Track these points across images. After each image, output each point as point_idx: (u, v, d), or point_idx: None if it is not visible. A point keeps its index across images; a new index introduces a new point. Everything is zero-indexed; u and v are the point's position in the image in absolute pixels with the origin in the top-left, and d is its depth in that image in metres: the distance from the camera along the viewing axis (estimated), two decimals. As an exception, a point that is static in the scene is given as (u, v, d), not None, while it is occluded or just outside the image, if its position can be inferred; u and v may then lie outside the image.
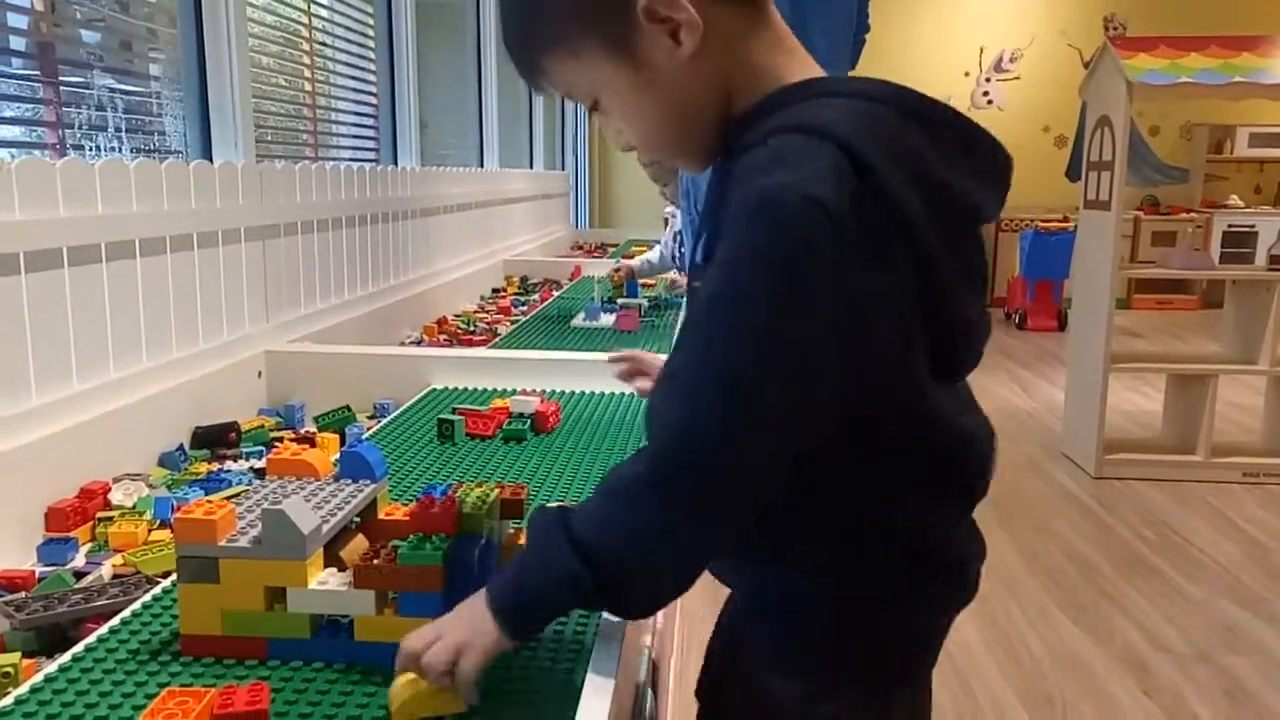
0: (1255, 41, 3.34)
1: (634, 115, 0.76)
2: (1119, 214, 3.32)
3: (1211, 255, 3.50)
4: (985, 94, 7.83)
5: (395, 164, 2.92)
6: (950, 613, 0.83)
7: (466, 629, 0.65)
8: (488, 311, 2.70)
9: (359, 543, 0.78)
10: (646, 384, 1.01)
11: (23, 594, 0.87)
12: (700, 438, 0.63)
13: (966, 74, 7.82)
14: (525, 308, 2.74)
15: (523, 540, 0.81)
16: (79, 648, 0.73)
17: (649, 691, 0.91)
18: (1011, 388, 4.87)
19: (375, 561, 0.70)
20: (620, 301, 2.38)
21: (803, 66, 0.76)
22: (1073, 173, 3.96)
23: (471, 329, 2.35)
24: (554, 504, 0.71)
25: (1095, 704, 2.04)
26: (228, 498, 1.12)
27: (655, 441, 0.66)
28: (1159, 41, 3.38)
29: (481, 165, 3.84)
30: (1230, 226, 3.56)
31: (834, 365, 0.64)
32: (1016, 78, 7.80)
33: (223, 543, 0.70)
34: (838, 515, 0.74)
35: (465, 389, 1.61)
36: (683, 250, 3.06)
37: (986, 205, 0.73)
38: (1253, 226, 3.53)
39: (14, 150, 1.50)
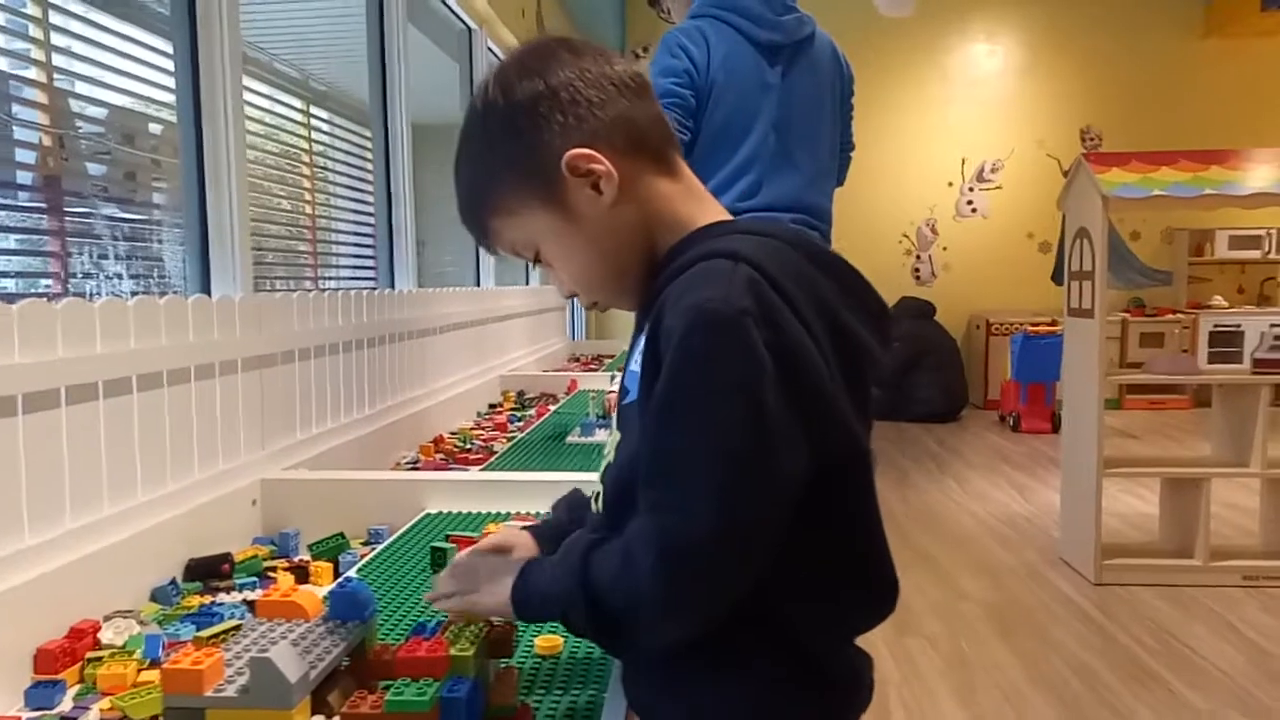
0: (1224, 155, 3.46)
1: (569, 261, 0.86)
2: (1102, 322, 3.38)
3: (1199, 355, 3.55)
4: (969, 203, 8.03)
5: (392, 285, 2.99)
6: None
7: (485, 589, 0.82)
8: (484, 428, 2.72)
9: (348, 686, 0.79)
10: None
11: (9, 742, 0.86)
12: (705, 531, 0.70)
13: (950, 184, 8.04)
14: (521, 423, 2.76)
15: (511, 681, 0.82)
16: (64, 802, 0.72)
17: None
18: (1009, 492, 4.86)
19: (363, 708, 0.71)
20: (614, 417, 2.41)
21: (714, 211, 0.87)
22: (1058, 277, 4.07)
23: (468, 447, 2.37)
24: (591, 533, 0.81)
25: (1105, 825, 1.99)
26: (219, 633, 1.13)
27: (661, 532, 0.71)
28: (1131, 157, 3.50)
29: (478, 284, 3.91)
30: (1216, 326, 3.60)
31: (797, 436, 0.72)
32: (999, 187, 8.01)
33: (210, 692, 0.70)
34: (775, 621, 0.78)
35: (459, 513, 1.62)
36: None
37: (873, 347, 0.81)
38: (1238, 326, 3.58)
39: (18, 280, 1.55)
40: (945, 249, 8.03)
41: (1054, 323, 6.53)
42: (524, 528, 0.99)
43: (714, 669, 0.78)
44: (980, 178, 8.02)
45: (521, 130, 0.83)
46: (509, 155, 0.84)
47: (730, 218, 0.87)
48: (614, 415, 0.90)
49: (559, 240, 0.85)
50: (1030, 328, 6.63)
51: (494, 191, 0.86)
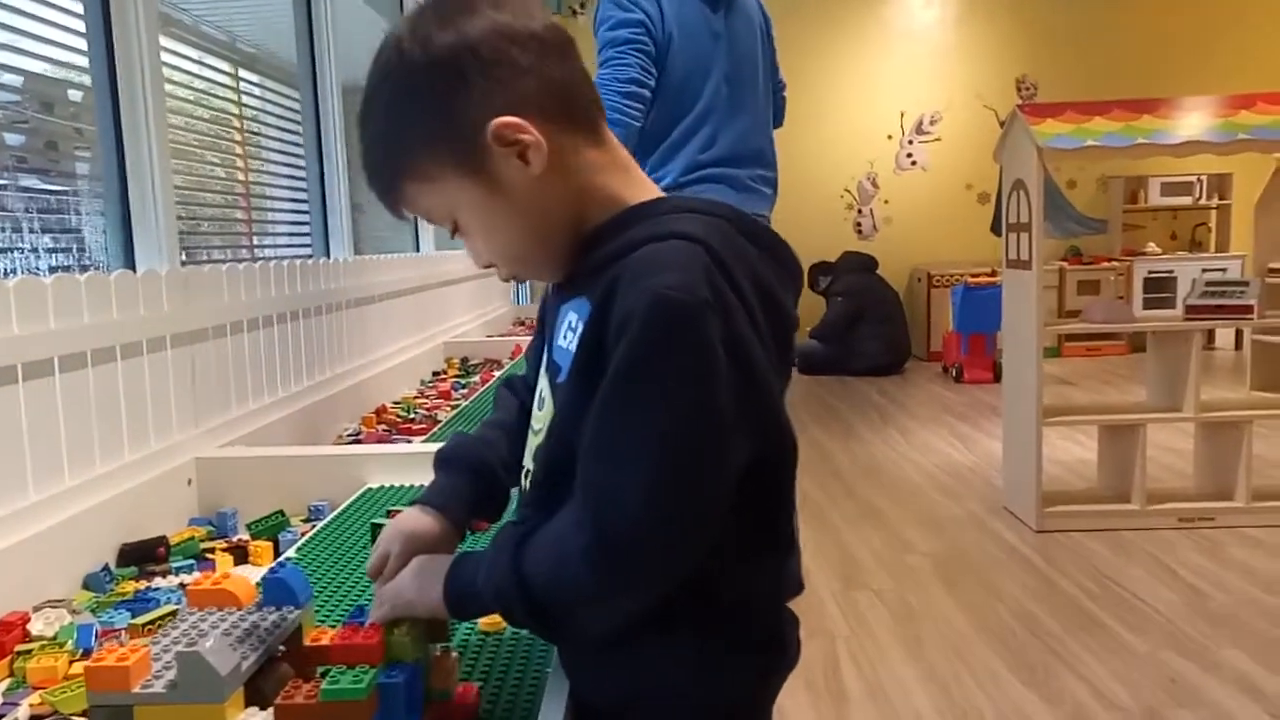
0: (1155, 104, 3.51)
1: (492, 233, 0.82)
2: (1039, 272, 3.42)
3: (1135, 302, 3.62)
4: (909, 155, 8.08)
5: (328, 253, 2.92)
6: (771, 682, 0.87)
7: (417, 593, 0.79)
8: (428, 397, 2.69)
9: (284, 674, 0.77)
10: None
11: (-68, 745, 0.83)
12: (644, 521, 0.69)
13: (890, 137, 8.08)
14: (466, 390, 2.73)
15: (450, 663, 0.81)
16: (-11, 807, 0.70)
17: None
18: (951, 442, 4.95)
19: (297, 699, 0.69)
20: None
21: (644, 187, 0.84)
22: (996, 228, 4.10)
23: (411, 416, 2.34)
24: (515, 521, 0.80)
25: (1048, 765, 2.04)
26: (156, 619, 1.10)
27: (597, 517, 0.70)
28: (1065, 107, 3.53)
29: (418, 250, 3.84)
30: (1150, 273, 3.67)
31: (742, 430, 0.72)
32: (938, 139, 8.07)
33: (137, 689, 0.68)
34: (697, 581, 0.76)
35: (401, 486, 1.59)
36: None
37: (794, 316, 0.82)
38: (1171, 272, 3.65)
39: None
40: (886, 202, 8.09)
41: (994, 273, 6.62)
42: (417, 504, 0.92)
43: (645, 644, 0.78)
44: (919, 130, 8.07)
45: (441, 91, 0.77)
46: (427, 118, 0.78)
47: (661, 193, 0.84)
48: (540, 392, 0.87)
49: (480, 212, 0.80)
50: (970, 279, 6.72)
51: (408, 155, 0.80)
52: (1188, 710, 2.23)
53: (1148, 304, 3.59)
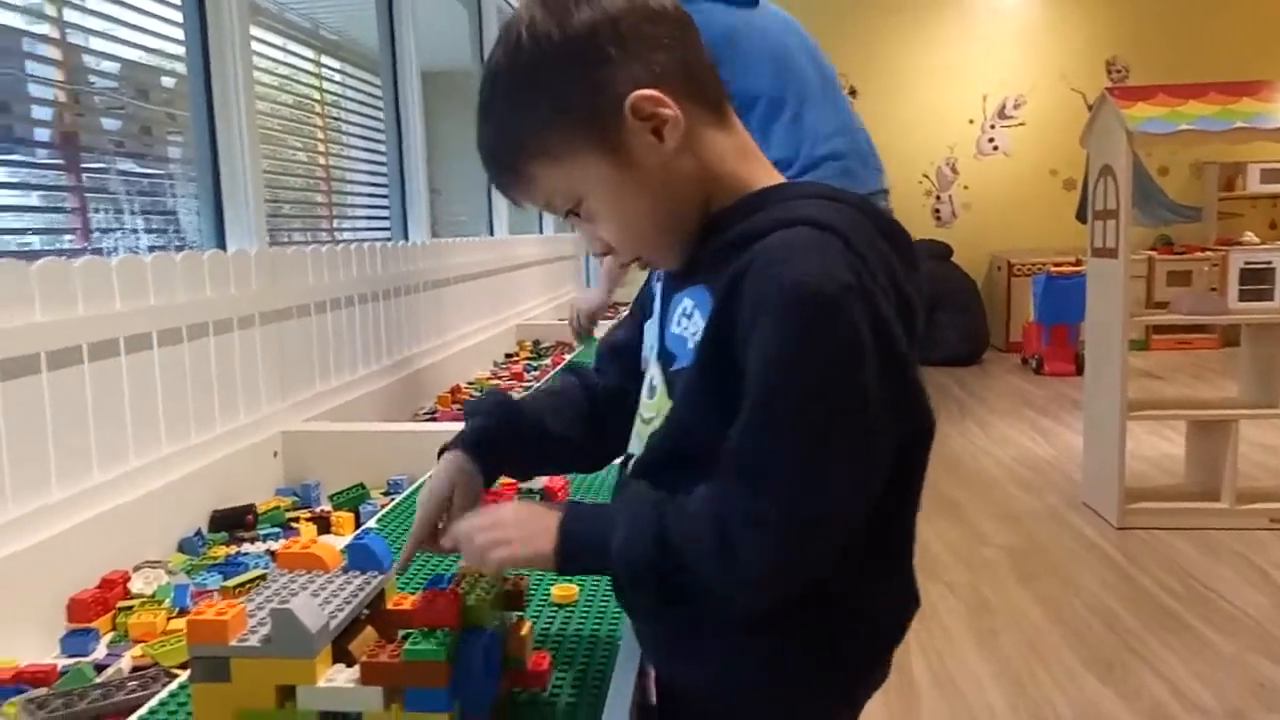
0: (1255, 86, 3.37)
1: (617, 214, 0.79)
2: (1126, 261, 3.33)
3: (1229, 294, 3.50)
4: (991, 140, 7.90)
5: (406, 236, 2.98)
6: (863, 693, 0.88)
7: (524, 541, 0.78)
8: (500, 378, 2.74)
9: (368, 635, 0.80)
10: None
11: (45, 690, 0.89)
12: (811, 513, 0.70)
13: (971, 122, 7.90)
14: (538, 372, 2.77)
15: (525, 631, 0.83)
16: (96, 749, 0.75)
17: None
18: (1031, 435, 4.85)
19: (382, 658, 0.72)
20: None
21: (767, 171, 0.83)
22: (1082, 215, 3.98)
23: (485, 398, 2.38)
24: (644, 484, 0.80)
25: (1124, 762, 2.01)
26: (245, 582, 1.15)
27: (758, 497, 0.70)
28: (1158, 90, 3.42)
29: (491, 233, 3.90)
30: (1247, 264, 3.54)
31: (891, 413, 0.71)
32: (1021, 124, 7.87)
33: (233, 642, 0.72)
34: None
35: (477, 464, 1.63)
36: None
37: (920, 311, 0.79)
38: (1269, 263, 3.52)
39: (41, 237, 1.56)
40: (966, 188, 7.92)
41: (1078, 262, 6.45)
42: (445, 450, 0.92)
43: (753, 641, 0.78)
44: (1002, 114, 7.88)
45: (578, 66, 0.75)
46: (561, 94, 0.76)
47: (783, 179, 0.82)
48: (651, 379, 0.85)
49: (608, 190, 0.78)
50: (1053, 268, 6.55)
51: (537, 135, 0.77)
52: (1277, 715, 2.17)
53: (1243, 296, 3.45)
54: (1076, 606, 2.77)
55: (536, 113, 0.77)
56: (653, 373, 0.85)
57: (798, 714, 0.84)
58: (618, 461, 0.93)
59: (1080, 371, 5.49)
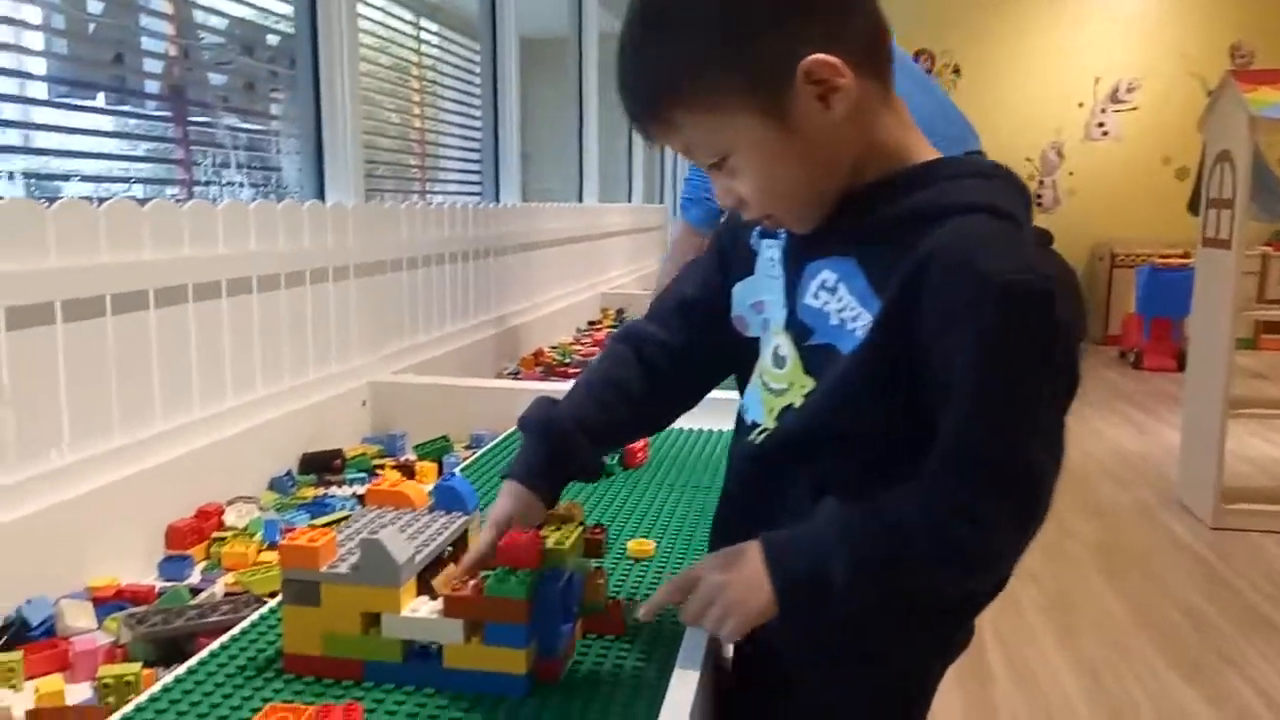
0: (1389, 73, 3.19)
1: (765, 174, 0.75)
2: (1240, 253, 3.19)
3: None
4: (1100, 125, 7.62)
5: (497, 199, 3.02)
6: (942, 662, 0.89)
7: (745, 593, 0.74)
8: (583, 344, 2.76)
9: (450, 573, 0.82)
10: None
11: (144, 608, 0.93)
12: (1044, 482, 0.72)
13: (1081, 105, 7.62)
14: (622, 341, 2.77)
15: (602, 579, 0.84)
16: (192, 661, 0.78)
17: None
18: (1125, 429, 4.70)
19: (464, 592, 0.74)
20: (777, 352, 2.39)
21: (922, 143, 0.79)
22: (1194, 206, 3.81)
23: (567, 361, 2.40)
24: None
25: (1206, 766, 1.95)
26: (330, 523, 1.18)
27: (1017, 480, 0.71)
28: (1283, 73, 3.25)
29: (580, 200, 3.92)
30: (1367, 265, 3.37)
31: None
32: (1134, 108, 7.56)
33: (324, 569, 0.74)
34: None
35: (560, 422, 1.64)
36: None
37: None
38: (1391, 266, 3.34)
39: (145, 187, 1.62)
40: (1071, 174, 7.65)
41: (1186, 255, 6.19)
42: (507, 475, 0.89)
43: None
44: (1114, 98, 7.57)
45: (754, 21, 0.71)
46: (730, 47, 0.71)
47: (938, 154, 0.79)
48: (778, 349, 0.83)
49: (761, 150, 0.74)
50: (1159, 260, 6.31)
51: (694, 83, 0.73)
52: (1370, 727, 2.08)
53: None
54: (1164, 605, 2.69)
55: (698, 61, 0.72)
56: (779, 342, 0.82)
57: (882, 673, 0.84)
58: (723, 427, 0.94)
59: (1182, 368, 5.29)
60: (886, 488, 0.73)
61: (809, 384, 0.79)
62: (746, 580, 0.73)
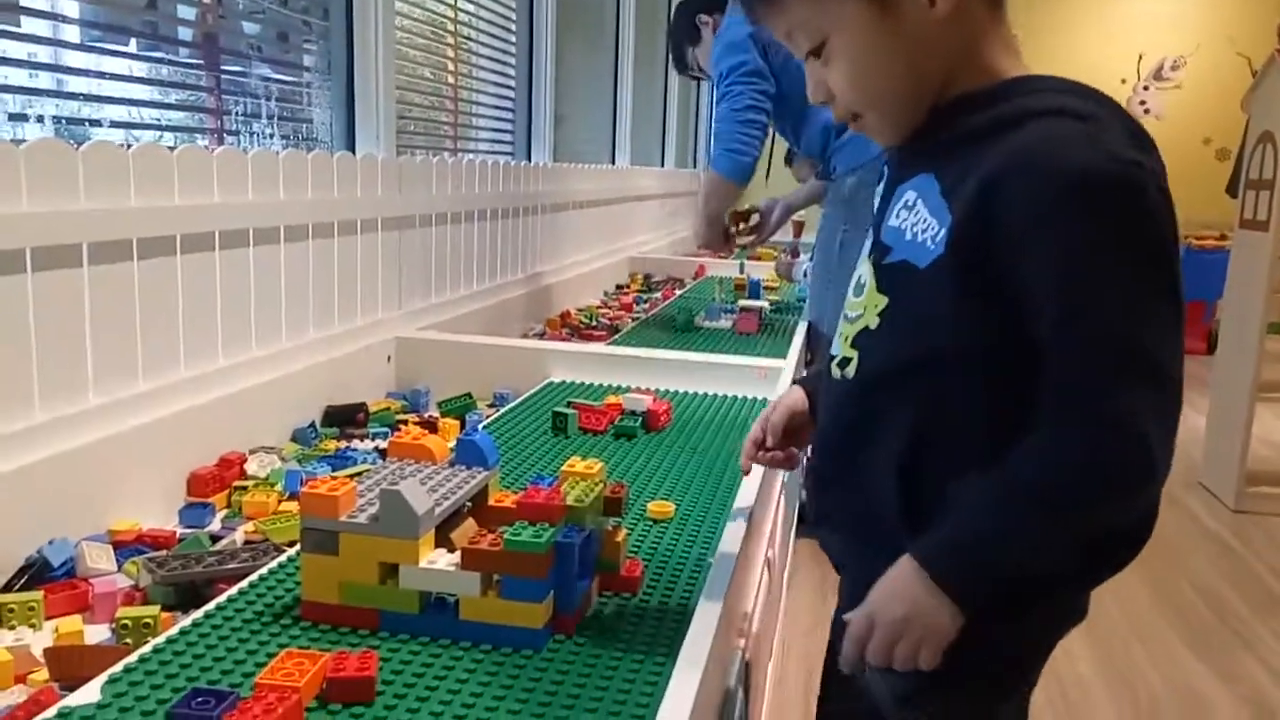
0: None
1: (862, 65, 0.75)
2: (1278, 235, 3.12)
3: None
4: (1143, 103, 7.46)
5: (529, 159, 3.00)
6: (1064, 631, 0.81)
7: (910, 607, 0.69)
8: (610, 307, 2.75)
9: (469, 526, 0.82)
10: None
11: (164, 552, 0.94)
12: (1164, 407, 0.66)
13: (1123, 81, 7.46)
14: (647, 305, 2.77)
15: (620, 538, 0.84)
16: (211, 605, 0.79)
17: (740, 692, 0.92)
18: (1150, 411, 4.64)
19: (482, 545, 0.74)
20: (740, 303, 2.39)
21: (1022, 68, 0.77)
22: (1233, 189, 3.73)
23: (593, 324, 2.40)
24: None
25: (1218, 749, 1.94)
26: (352, 475, 1.19)
27: (1151, 403, 0.65)
28: (1333, 53, 3.17)
29: (613, 162, 3.89)
30: None
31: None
32: (1178, 87, 7.40)
33: (343, 518, 0.74)
34: None
35: (582, 383, 1.64)
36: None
37: None
38: None
39: (176, 135, 1.62)
40: (1108, 152, 7.51)
41: (1223, 237, 6.09)
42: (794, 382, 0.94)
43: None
44: (1158, 76, 7.42)
45: None
46: None
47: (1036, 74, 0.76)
48: (860, 277, 0.81)
49: (861, 38, 0.74)
50: (1195, 241, 6.21)
51: None
52: (1388, 716, 2.06)
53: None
54: (1182, 586, 2.67)
55: None
56: (861, 271, 0.81)
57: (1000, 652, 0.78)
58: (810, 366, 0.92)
59: (1211, 350, 5.22)
60: (996, 420, 0.69)
61: (883, 302, 0.76)
62: (922, 609, 0.69)
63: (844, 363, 0.80)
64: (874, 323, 0.77)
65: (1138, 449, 0.65)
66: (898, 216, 0.75)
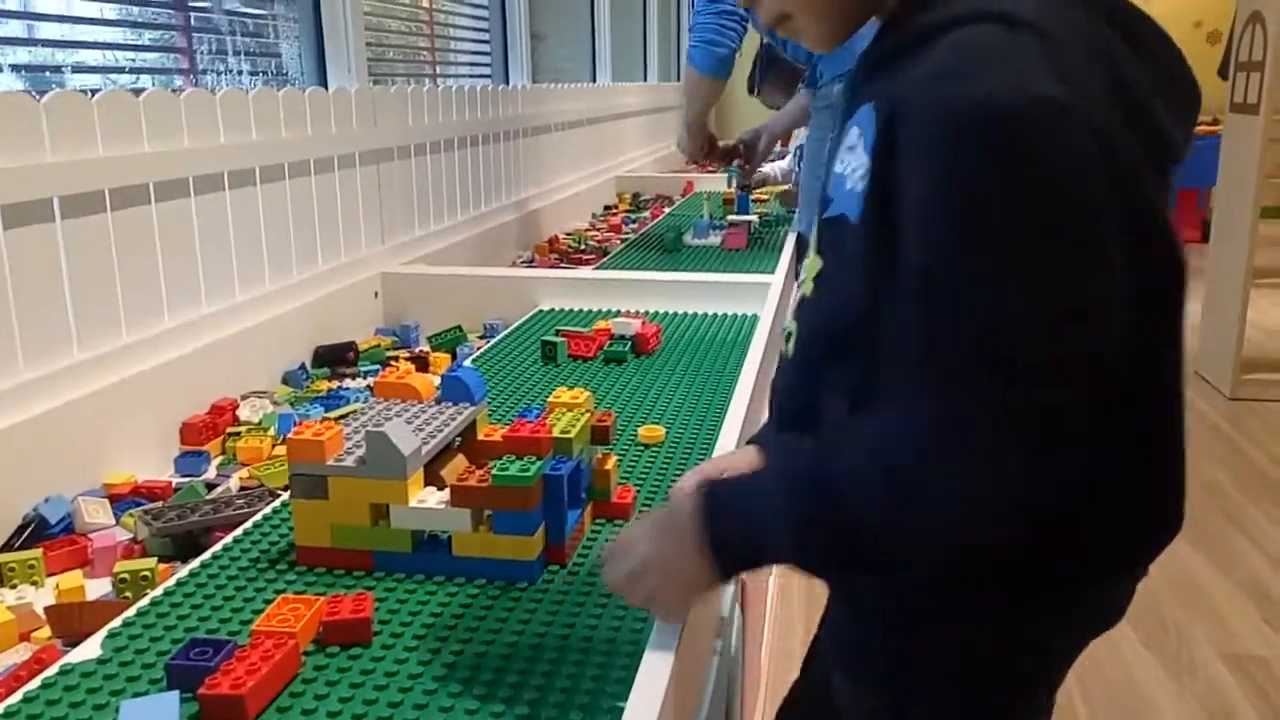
0: None
1: None
2: (1268, 118, 3.09)
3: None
4: (1130, -13, 7.29)
5: (507, 81, 2.94)
6: (1090, 637, 0.69)
7: (670, 568, 0.62)
8: (599, 230, 2.72)
9: (458, 463, 0.82)
10: None
11: (160, 504, 0.95)
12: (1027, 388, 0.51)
13: (1110, -34, 7.29)
14: (636, 225, 2.74)
15: (610, 465, 0.84)
16: (207, 555, 0.79)
17: (736, 614, 0.94)
18: (1145, 303, 4.64)
19: (471, 481, 0.74)
20: (729, 219, 2.36)
21: None
22: (1224, 71, 3.65)
23: (582, 248, 2.38)
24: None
25: (1211, 630, 1.98)
26: (345, 415, 1.19)
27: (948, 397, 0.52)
28: (1325, -75, 3.08)
29: (594, 80, 3.81)
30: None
31: (1122, 290, 0.53)
32: (1166, -32, 7.23)
33: (330, 462, 0.75)
34: None
35: (571, 310, 1.64)
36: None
37: (1178, 147, 0.59)
38: None
39: (152, 77, 1.58)
40: (1098, 41, 7.38)
41: (1215, 122, 6.01)
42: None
43: (936, 598, 0.62)
44: (1146, -42, 7.24)
45: None
46: None
47: None
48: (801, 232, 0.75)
49: None
50: (1187, 128, 6.13)
51: None
52: (1380, 593, 2.11)
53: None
54: (1178, 477, 2.70)
55: None
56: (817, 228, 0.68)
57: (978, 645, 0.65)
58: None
59: (1206, 239, 5.20)
60: None
61: (818, 265, 0.65)
62: (679, 550, 0.61)
63: (788, 338, 0.69)
64: (809, 290, 0.66)
65: (947, 492, 0.53)
66: (842, 161, 0.61)
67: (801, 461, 0.59)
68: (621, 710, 0.55)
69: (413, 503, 0.74)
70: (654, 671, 0.58)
